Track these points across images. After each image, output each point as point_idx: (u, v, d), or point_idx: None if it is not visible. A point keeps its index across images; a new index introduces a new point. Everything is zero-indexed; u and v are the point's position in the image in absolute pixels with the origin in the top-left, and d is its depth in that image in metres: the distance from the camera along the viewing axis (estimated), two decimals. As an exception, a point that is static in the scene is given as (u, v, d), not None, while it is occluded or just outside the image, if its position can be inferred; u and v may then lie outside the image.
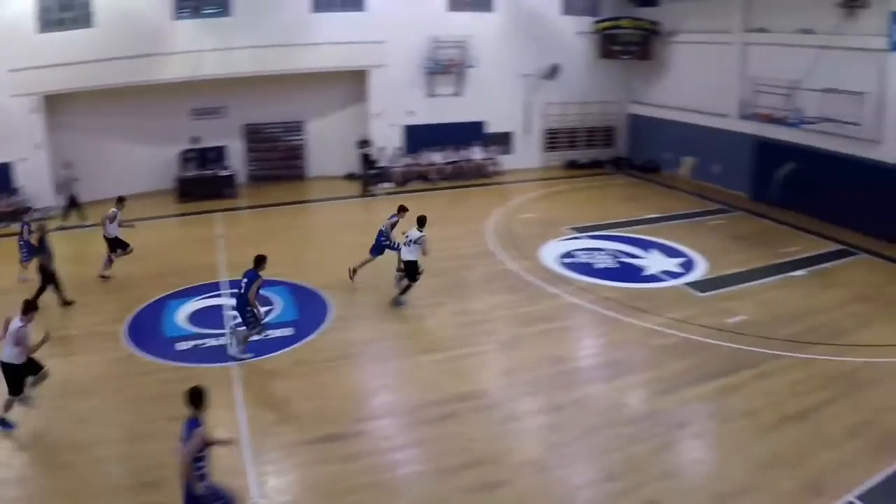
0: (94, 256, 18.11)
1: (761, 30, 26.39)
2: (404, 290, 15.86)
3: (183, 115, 26.20)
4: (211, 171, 26.10)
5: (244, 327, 13.23)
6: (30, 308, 10.78)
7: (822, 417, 11.31)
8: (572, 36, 31.53)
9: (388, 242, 16.68)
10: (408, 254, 15.62)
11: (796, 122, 23.98)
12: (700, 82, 29.00)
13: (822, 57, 23.34)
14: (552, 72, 30.74)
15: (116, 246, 17.53)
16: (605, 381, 12.67)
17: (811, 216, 23.12)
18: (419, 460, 10.30)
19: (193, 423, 7.84)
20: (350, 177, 28.61)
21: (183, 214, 23.98)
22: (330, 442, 10.52)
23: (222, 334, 14.09)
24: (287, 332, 14.36)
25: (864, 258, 20.06)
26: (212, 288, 16.68)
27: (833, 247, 20.60)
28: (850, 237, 21.26)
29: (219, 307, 15.57)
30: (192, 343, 13.81)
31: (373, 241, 16.92)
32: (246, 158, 27.91)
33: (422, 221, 15.62)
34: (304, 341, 14.00)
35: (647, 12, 31.52)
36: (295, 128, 28.37)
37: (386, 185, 27.14)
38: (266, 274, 13.37)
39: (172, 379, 11.98)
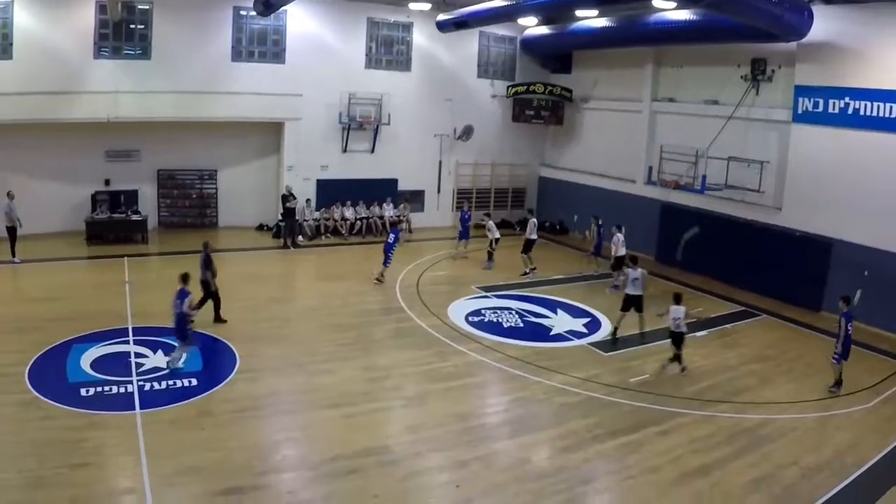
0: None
1: (670, 99, 27.35)
2: None
3: (97, 157, 25.40)
4: (122, 215, 25.31)
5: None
6: None
7: (724, 473, 11.42)
8: (487, 99, 32.05)
9: None
10: None
11: (701, 189, 24.66)
12: (610, 148, 29.82)
13: (728, 127, 24.22)
14: (466, 133, 31.03)
15: None
16: (510, 438, 12.51)
17: (714, 279, 23.68)
18: (322, 515, 9.90)
19: (184, 293, 14.08)
20: (261, 228, 28.17)
21: (92, 257, 23.11)
22: (233, 495, 10.03)
23: (127, 382, 13.50)
24: (192, 382, 13.84)
25: (765, 319, 20.62)
26: (118, 334, 16.00)
27: (735, 308, 21.10)
28: (752, 299, 21.80)
29: (125, 354, 14.93)
30: (96, 389, 13.16)
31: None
32: (158, 204, 27.16)
33: None
34: (209, 392, 13.49)
35: (560, 79, 32.35)
36: (208, 176, 27.83)
37: (299, 238, 26.68)
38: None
39: (76, 426, 11.60)
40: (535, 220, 24.65)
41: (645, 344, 17.69)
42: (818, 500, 10.78)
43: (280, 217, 27.32)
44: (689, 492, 10.80)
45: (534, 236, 24.17)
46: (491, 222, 24.98)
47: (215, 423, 12.28)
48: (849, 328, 15.00)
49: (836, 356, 15.22)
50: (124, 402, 12.71)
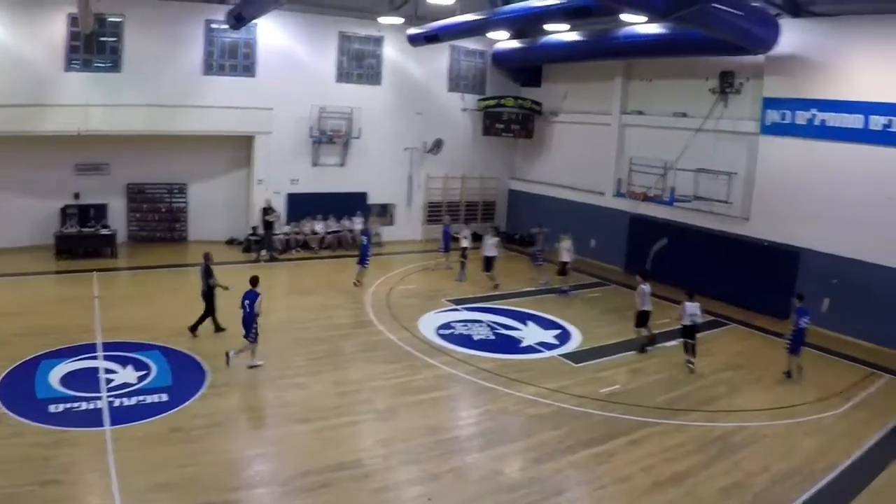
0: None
1: (639, 112, 27.55)
2: None
3: (67, 170, 24.97)
4: (91, 229, 24.91)
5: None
6: None
7: (696, 481, 11.44)
8: (457, 112, 32.12)
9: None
10: None
11: (670, 201, 24.81)
12: (579, 160, 29.96)
13: (696, 139, 24.41)
14: (436, 146, 31.03)
15: None
16: (482, 450, 12.44)
17: (683, 289, 23.69)
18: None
19: (253, 295, 15.26)
20: (231, 242, 27.90)
21: (61, 272, 22.71)
22: (205, 511, 9.85)
23: (97, 398, 13.24)
24: (162, 397, 13.57)
25: (735, 328, 20.86)
26: (87, 350, 15.68)
27: (705, 318, 21.03)
28: (722, 308, 21.92)
29: (93, 370, 14.61)
30: (65, 405, 12.88)
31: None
32: (127, 218, 26.80)
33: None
34: (179, 407, 13.23)
35: (530, 92, 32.50)
36: (178, 190, 27.53)
37: (262, 253, 26.43)
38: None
39: (45, 443, 11.37)
40: (494, 237, 24.79)
41: (617, 354, 17.87)
42: (789, 506, 10.81)
43: (252, 231, 27.14)
44: (662, 500, 10.80)
45: (492, 253, 24.10)
46: (466, 230, 25.07)
47: (186, 438, 12.08)
48: (800, 323, 16.07)
49: (787, 347, 16.44)
50: (94, 419, 12.48)
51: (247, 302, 15.33)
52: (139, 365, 14.77)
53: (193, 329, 17.21)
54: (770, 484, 11.46)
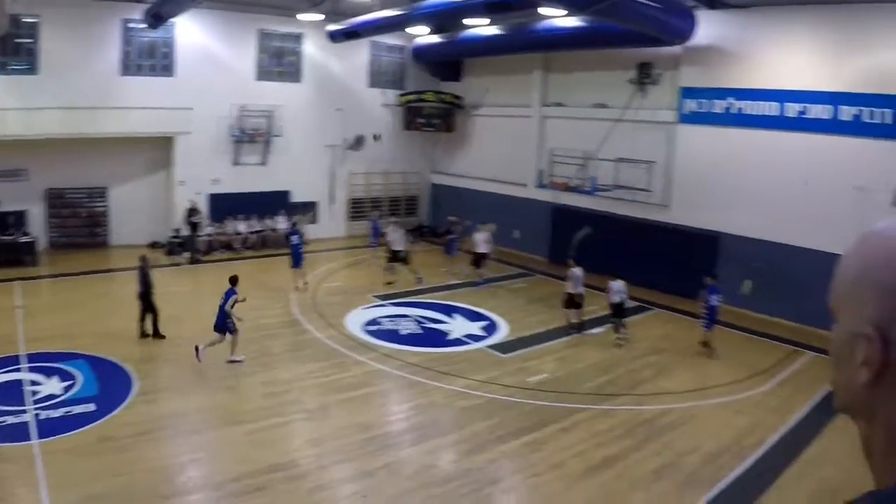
0: None
1: (558, 104, 27.73)
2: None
3: (-16, 177, 23.90)
4: (10, 237, 23.85)
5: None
6: None
7: (628, 464, 11.53)
8: (378, 108, 31.89)
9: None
10: None
11: (591, 190, 25.06)
12: (500, 153, 30.03)
13: (616, 129, 24.72)
14: (357, 142, 30.75)
15: None
16: (414, 445, 12.31)
17: (607, 276, 23.98)
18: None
19: (231, 292, 15.42)
20: (154, 245, 26.96)
21: (-22, 282, 21.68)
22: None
23: (22, 411, 12.65)
24: (89, 407, 13.04)
25: (659, 312, 21.22)
26: (10, 362, 14.93)
27: (630, 303, 21.31)
28: (646, 294, 22.19)
29: (17, 382, 13.94)
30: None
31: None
32: (48, 224, 25.74)
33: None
34: (108, 416, 12.73)
35: (450, 86, 32.47)
36: (99, 194, 26.56)
37: (187, 254, 25.81)
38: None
39: None
40: (397, 231, 24.06)
41: (544, 343, 17.96)
42: (722, 482, 11.00)
43: (175, 233, 26.49)
44: (595, 484, 10.85)
45: (398, 247, 23.50)
46: (395, 233, 24.79)
47: (117, 447, 11.64)
48: (711, 300, 17.00)
49: (703, 324, 17.29)
50: (20, 433, 11.93)
51: (223, 299, 15.59)
52: (65, 375, 14.27)
53: (156, 334, 17.01)
54: (701, 463, 11.61)
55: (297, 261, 22.07)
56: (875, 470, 1.20)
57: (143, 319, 16.93)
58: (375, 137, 31.33)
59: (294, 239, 22.35)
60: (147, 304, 16.95)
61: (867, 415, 1.19)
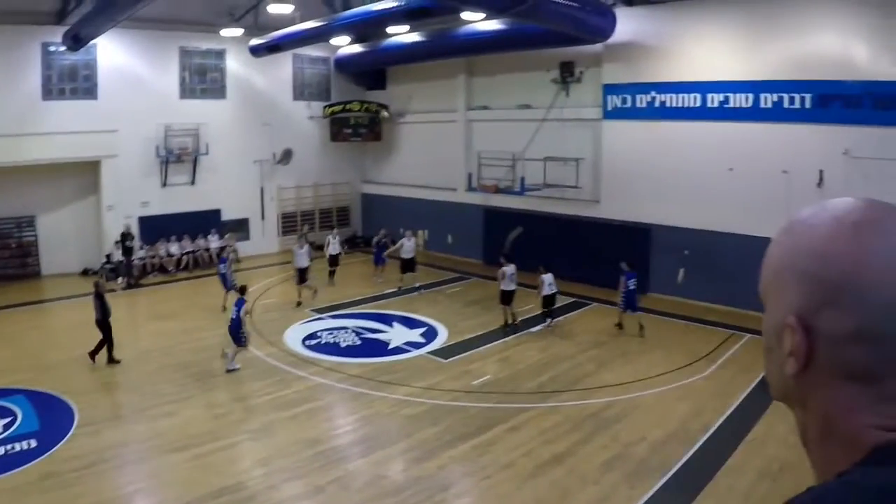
0: None
1: (483, 107, 27.87)
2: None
3: None
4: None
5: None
6: None
7: (577, 459, 11.57)
8: (304, 120, 31.60)
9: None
10: None
11: (521, 190, 25.23)
12: (429, 159, 30.02)
13: (542, 129, 24.93)
14: (285, 156, 30.38)
15: None
16: (363, 457, 12.12)
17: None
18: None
19: (241, 301, 16.02)
20: (86, 273, 26.13)
21: None
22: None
23: None
24: (31, 443, 12.50)
25: (596, 307, 21.36)
26: None
27: (566, 300, 21.47)
28: (582, 290, 22.43)
29: None
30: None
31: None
32: (-27, 258, 24.80)
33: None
34: (49, 452, 12.20)
35: (375, 95, 32.39)
36: (27, 223, 25.67)
37: (118, 280, 25.13)
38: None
39: None
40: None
41: (485, 345, 17.99)
42: (671, 468, 11.13)
43: (106, 259, 25.80)
44: (547, 481, 10.85)
45: (304, 264, 22.44)
46: (332, 237, 25.10)
47: (61, 483, 11.17)
48: (628, 284, 18.23)
49: (620, 307, 18.54)
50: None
51: (235, 309, 16.20)
52: (3, 412, 13.67)
53: (111, 360, 16.66)
54: (650, 451, 11.72)
55: (225, 285, 21.69)
56: (812, 458, 1.17)
57: (110, 346, 16.70)
58: (285, 158, 30.75)
59: (221, 268, 22.25)
60: (106, 329, 16.62)
61: (800, 403, 1.16)
